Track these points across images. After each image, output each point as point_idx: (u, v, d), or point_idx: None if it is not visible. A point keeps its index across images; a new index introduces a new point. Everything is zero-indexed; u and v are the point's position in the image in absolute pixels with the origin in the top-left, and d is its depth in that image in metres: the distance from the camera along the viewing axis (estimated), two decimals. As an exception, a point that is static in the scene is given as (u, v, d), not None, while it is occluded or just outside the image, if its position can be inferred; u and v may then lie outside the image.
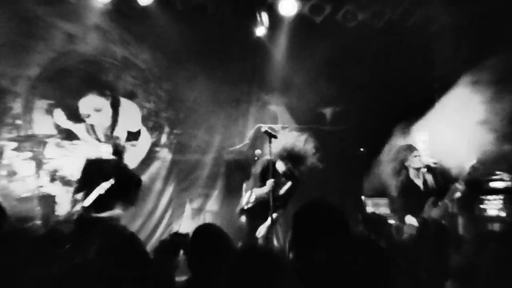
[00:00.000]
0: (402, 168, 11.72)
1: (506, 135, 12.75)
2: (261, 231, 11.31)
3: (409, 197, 11.55)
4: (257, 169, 11.49)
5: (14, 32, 13.11)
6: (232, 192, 13.71)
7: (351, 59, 14.62)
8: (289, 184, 11.45)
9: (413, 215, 11.26)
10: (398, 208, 11.98)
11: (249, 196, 11.48)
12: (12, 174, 12.47)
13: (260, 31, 13.96)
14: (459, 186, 11.34)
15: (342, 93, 14.93)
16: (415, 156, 11.62)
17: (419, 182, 11.59)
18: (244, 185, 11.97)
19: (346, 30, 14.21)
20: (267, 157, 11.29)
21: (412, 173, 11.64)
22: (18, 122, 13.25)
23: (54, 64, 13.56)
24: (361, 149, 13.79)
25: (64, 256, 7.29)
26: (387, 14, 14.02)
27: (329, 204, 5.28)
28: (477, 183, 12.61)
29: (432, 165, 12.01)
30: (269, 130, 11.54)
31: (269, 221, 11.15)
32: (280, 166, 11.30)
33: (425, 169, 11.70)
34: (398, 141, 12.39)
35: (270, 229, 11.23)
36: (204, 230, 6.25)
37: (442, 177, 11.95)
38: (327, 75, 14.78)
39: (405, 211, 11.47)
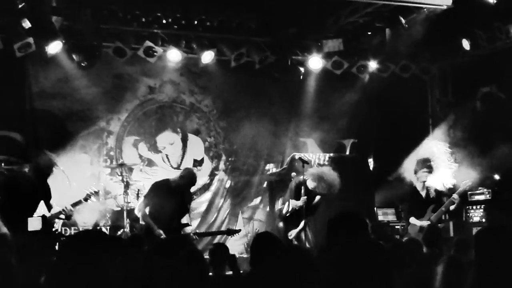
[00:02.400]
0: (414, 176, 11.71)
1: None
2: (292, 233, 11.30)
3: (414, 203, 11.57)
4: (292, 185, 11.51)
5: (109, 85, 13.40)
6: (273, 205, 13.69)
7: (365, 101, 14.62)
8: (318, 197, 11.45)
9: (416, 218, 11.28)
10: (405, 211, 11.99)
11: (287, 206, 11.49)
12: (107, 193, 12.53)
13: (294, 80, 13.99)
14: (456, 198, 11.38)
15: (358, 128, 14.92)
16: (424, 172, 11.61)
17: (423, 193, 11.57)
18: (280, 200, 11.98)
19: (360, 79, 14.22)
20: (301, 177, 11.36)
21: (418, 186, 11.60)
22: (112, 153, 13.51)
23: (138, 109, 13.79)
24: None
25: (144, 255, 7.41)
26: (391, 67, 14.00)
27: (357, 214, 5.42)
28: (465, 196, 12.56)
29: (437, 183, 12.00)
30: (302, 157, 11.66)
31: (300, 226, 11.20)
32: (310, 184, 11.32)
33: (429, 183, 11.68)
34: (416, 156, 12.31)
35: (300, 232, 11.26)
36: (263, 236, 6.27)
37: (440, 191, 11.96)
38: (346, 114, 14.77)
39: (410, 214, 11.49)
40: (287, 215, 11.42)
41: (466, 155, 13.26)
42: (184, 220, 10.79)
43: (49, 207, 9.58)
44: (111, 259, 3.68)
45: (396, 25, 12.52)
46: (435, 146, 12.28)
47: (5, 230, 8.92)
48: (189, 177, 10.66)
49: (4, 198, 9.32)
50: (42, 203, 9.55)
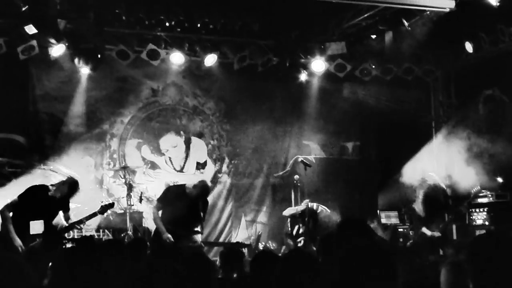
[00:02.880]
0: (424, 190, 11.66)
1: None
2: (300, 240, 11.29)
3: (428, 212, 11.50)
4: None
5: (112, 88, 13.40)
6: (276, 207, 13.72)
7: (368, 104, 14.60)
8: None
9: (426, 225, 11.22)
10: (414, 219, 11.91)
11: (297, 228, 11.51)
12: (110, 195, 12.58)
13: (297, 83, 13.97)
14: (465, 205, 11.40)
15: (361, 131, 14.93)
16: (434, 185, 11.56)
17: (436, 201, 11.54)
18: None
19: (363, 82, 14.20)
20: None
21: (430, 194, 11.57)
22: (115, 156, 13.51)
23: (141, 111, 13.81)
24: None
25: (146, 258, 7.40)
26: (394, 70, 13.98)
27: (362, 220, 5.41)
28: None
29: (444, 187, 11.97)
30: (304, 160, 11.64)
31: (306, 234, 11.20)
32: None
33: (441, 191, 11.64)
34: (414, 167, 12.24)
35: (307, 241, 11.26)
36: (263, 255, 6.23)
37: (452, 197, 11.95)
38: (349, 116, 14.77)
39: (420, 222, 11.42)
40: (290, 232, 11.45)
41: (469, 158, 13.24)
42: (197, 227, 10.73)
43: (66, 217, 9.60)
44: (113, 262, 3.69)
45: (399, 28, 12.52)
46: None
47: (19, 242, 8.96)
48: (200, 189, 10.44)
49: (21, 209, 9.34)
50: (61, 214, 9.58)
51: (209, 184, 11.02)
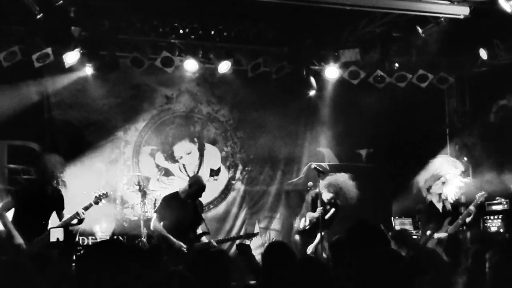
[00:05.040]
0: (427, 193, 11.60)
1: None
2: (310, 247, 11.28)
3: (431, 217, 11.45)
4: (309, 198, 11.51)
5: (126, 95, 13.46)
6: (290, 214, 13.68)
7: (382, 111, 14.56)
8: (332, 210, 11.44)
9: (433, 231, 11.20)
10: (422, 225, 11.91)
11: (304, 221, 11.48)
12: (124, 202, 12.55)
13: (311, 91, 13.93)
14: (472, 209, 11.27)
15: (374, 138, 14.89)
16: (437, 185, 11.52)
17: (439, 206, 11.46)
18: (298, 216, 11.98)
19: (377, 89, 14.15)
20: (316, 189, 11.33)
21: (434, 199, 11.49)
22: (129, 163, 13.55)
23: (155, 118, 13.84)
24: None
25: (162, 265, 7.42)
26: (408, 77, 13.93)
27: (375, 225, 5.38)
28: (482, 206, 12.46)
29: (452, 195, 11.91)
30: (318, 167, 11.62)
31: (317, 239, 11.17)
32: (326, 196, 11.29)
33: (445, 196, 11.56)
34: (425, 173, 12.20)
35: (317, 245, 11.24)
36: (275, 245, 6.23)
37: (456, 203, 11.88)
38: (363, 123, 14.73)
39: (426, 228, 11.41)
40: (306, 228, 11.40)
41: (483, 165, 13.20)
42: (201, 229, 10.83)
43: (60, 217, 9.66)
44: (131, 269, 3.70)
45: (413, 35, 12.51)
46: (446, 161, 12.12)
47: (20, 240, 9.02)
48: (198, 183, 10.79)
49: (19, 208, 9.41)
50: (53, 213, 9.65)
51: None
